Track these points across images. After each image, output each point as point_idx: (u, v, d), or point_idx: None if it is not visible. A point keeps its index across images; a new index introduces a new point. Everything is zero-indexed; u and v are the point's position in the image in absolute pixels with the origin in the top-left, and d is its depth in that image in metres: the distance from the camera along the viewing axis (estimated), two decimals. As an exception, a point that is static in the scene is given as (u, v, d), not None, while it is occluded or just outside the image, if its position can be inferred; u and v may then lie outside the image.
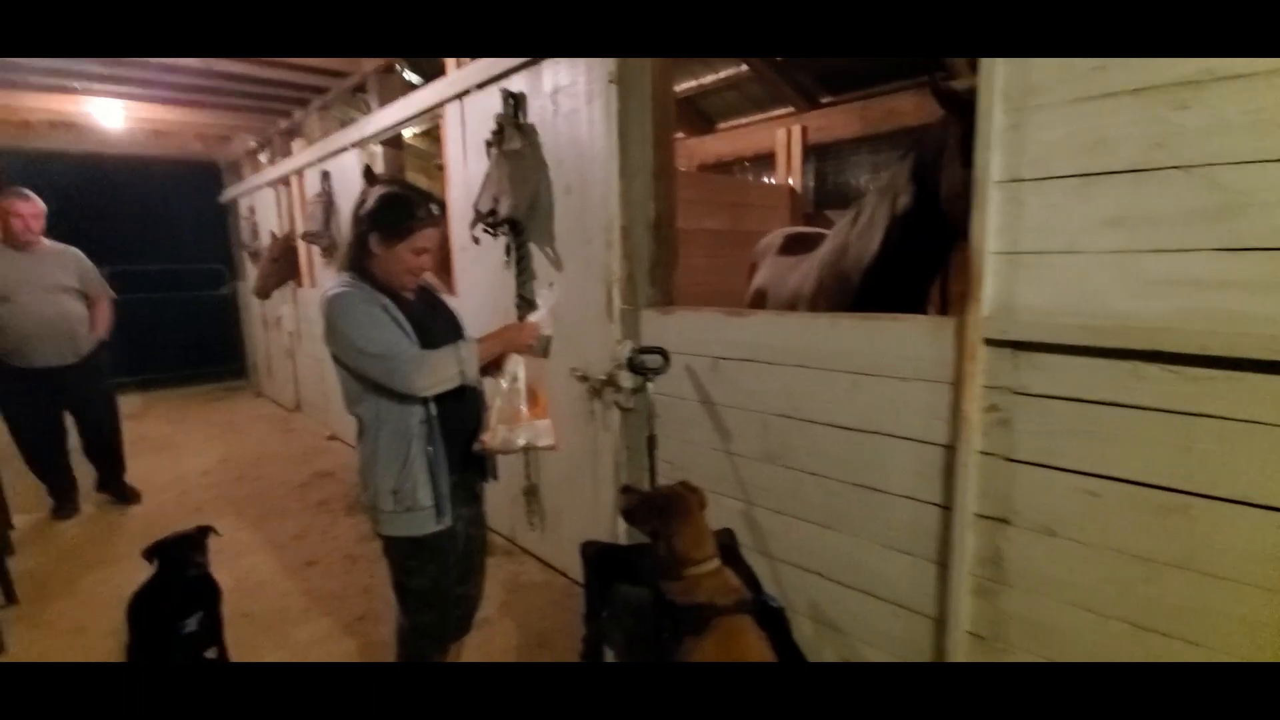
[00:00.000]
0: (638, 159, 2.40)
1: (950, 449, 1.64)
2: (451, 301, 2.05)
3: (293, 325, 6.27)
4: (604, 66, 2.35)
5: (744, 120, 5.55)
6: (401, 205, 1.74)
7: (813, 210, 5.06)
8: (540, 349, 1.87)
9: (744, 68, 4.95)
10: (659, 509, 1.59)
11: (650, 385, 2.15)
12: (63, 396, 3.84)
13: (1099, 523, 1.44)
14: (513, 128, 2.71)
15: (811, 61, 4.64)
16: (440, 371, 1.70)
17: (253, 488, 4.51)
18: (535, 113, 2.74)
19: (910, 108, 4.20)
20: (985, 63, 1.46)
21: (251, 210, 6.94)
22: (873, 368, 1.80)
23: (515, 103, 2.75)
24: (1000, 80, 1.43)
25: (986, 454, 1.57)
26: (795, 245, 3.11)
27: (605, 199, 2.47)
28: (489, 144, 2.84)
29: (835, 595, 2.02)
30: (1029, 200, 1.43)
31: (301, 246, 5.58)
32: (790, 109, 5.12)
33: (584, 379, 2.63)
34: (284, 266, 5.82)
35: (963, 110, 1.90)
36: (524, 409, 1.83)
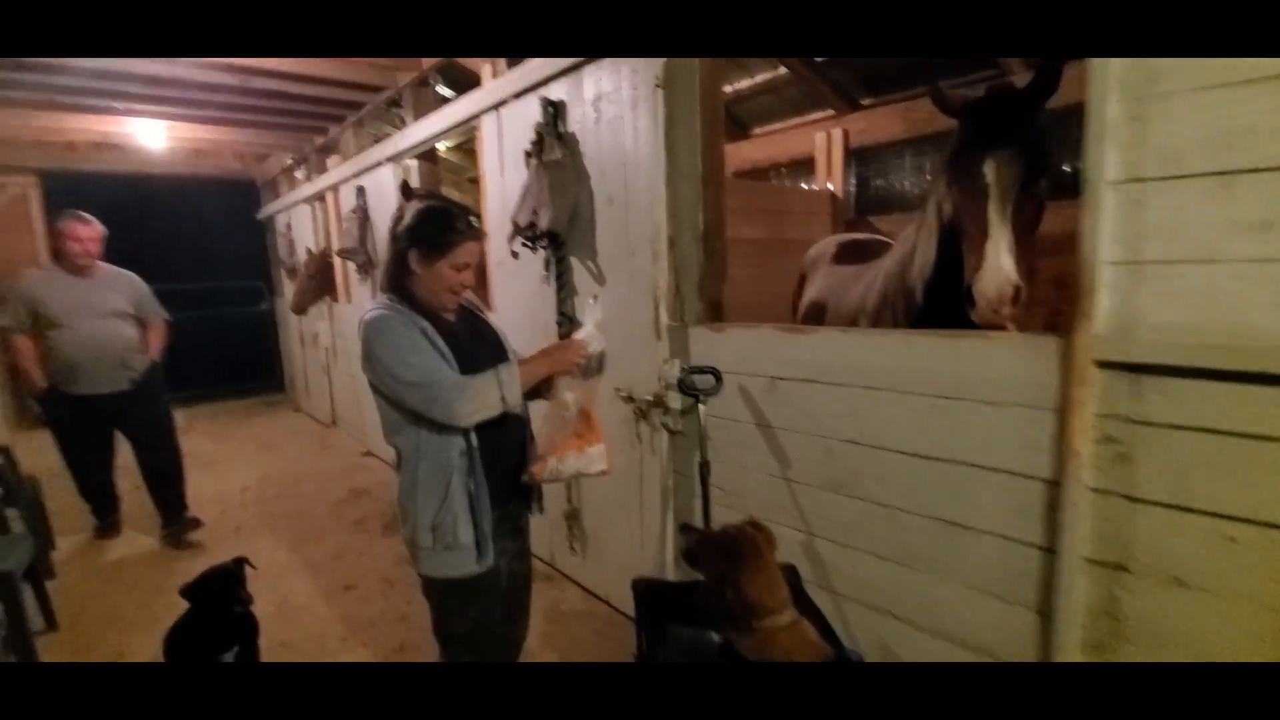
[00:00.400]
0: (685, 166, 2.26)
1: (1054, 484, 1.45)
2: (492, 319, 1.93)
3: (329, 341, 6.28)
4: (650, 70, 2.22)
5: (781, 125, 5.38)
6: (441, 219, 1.64)
7: (854, 217, 4.86)
8: (594, 366, 1.74)
9: (781, 70, 4.78)
10: (724, 551, 1.43)
11: (702, 407, 2.01)
12: (116, 423, 3.72)
13: (1238, 572, 1.24)
14: (552, 137, 2.60)
15: (852, 61, 4.46)
16: (482, 398, 1.58)
17: (291, 505, 4.47)
18: (576, 121, 2.63)
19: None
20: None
21: (288, 227, 7.00)
22: (955, 391, 1.62)
23: (555, 111, 2.64)
24: (1117, 65, 1.25)
25: (1100, 491, 1.38)
26: (851, 254, 2.92)
27: (651, 209, 2.33)
28: (528, 155, 2.74)
29: (910, 638, 1.83)
30: (1153, 202, 1.25)
31: (337, 263, 5.58)
32: (829, 112, 4.93)
33: (629, 400, 2.49)
34: (320, 282, 5.84)
35: (968, 117, 1.74)
36: (575, 436, 1.70)
